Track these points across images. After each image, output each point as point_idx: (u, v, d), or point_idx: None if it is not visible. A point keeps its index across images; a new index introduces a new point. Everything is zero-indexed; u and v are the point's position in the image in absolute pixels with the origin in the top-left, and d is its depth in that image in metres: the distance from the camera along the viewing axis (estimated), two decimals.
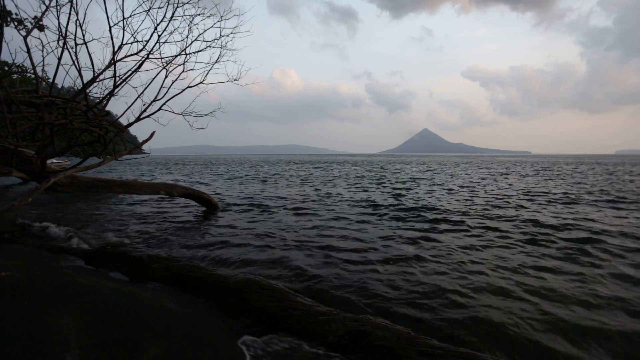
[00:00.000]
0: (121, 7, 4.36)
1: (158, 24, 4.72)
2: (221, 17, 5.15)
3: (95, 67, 4.43)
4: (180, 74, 5.31)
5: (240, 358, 2.56)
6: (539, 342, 2.87)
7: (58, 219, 7.76)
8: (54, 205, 9.66)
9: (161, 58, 5.09)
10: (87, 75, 4.69)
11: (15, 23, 5.28)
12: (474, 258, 4.99)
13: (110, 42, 4.46)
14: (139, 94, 5.07)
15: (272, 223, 7.45)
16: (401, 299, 3.68)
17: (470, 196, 12.10)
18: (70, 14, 4.03)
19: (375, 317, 3.02)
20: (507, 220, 7.75)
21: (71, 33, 4.17)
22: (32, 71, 4.83)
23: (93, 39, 4.39)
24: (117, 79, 4.75)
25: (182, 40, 5.16)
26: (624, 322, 3.17)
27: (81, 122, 5.03)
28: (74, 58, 4.25)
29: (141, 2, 4.54)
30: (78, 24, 4.17)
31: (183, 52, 5.24)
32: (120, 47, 4.57)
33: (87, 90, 4.73)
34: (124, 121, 5.44)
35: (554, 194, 12.54)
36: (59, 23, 4.17)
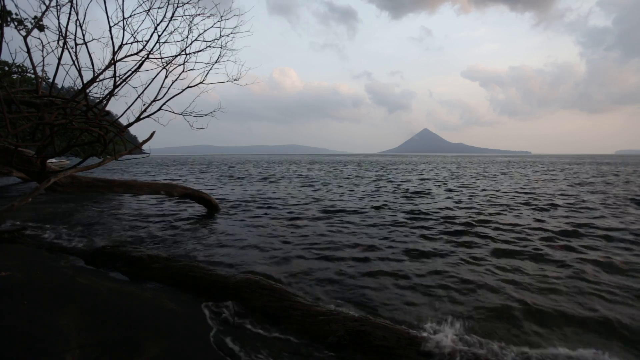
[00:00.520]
0: (121, 7, 4.36)
1: (158, 24, 4.73)
2: (221, 17, 5.15)
3: (95, 67, 4.43)
4: (180, 74, 5.31)
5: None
6: None
7: (58, 219, 7.76)
8: (54, 206, 9.65)
9: (161, 58, 5.09)
10: (87, 75, 4.69)
11: (15, 23, 5.28)
12: None
13: (110, 42, 4.46)
14: (139, 94, 5.07)
15: (272, 223, 7.45)
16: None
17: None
18: (70, 14, 4.03)
19: (375, 317, 3.02)
20: None
21: (71, 33, 4.17)
22: (32, 71, 4.83)
23: (93, 39, 4.39)
24: (117, 79, 4.75)
25: (182, 40, 5.17)
26: None
27: (81, 122, 5.03)
28: (74, 58, 4.25)
29: (141, 2, 4.54)
30: (78, 24, 4.17)
31: (183, 52, 5.24)
32: (120, 47, 4.57)
33: (87, 90, 4.73)
34: (124, 121, 5.45)
35: None
36: (59, 23, 4.18)
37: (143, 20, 4.59)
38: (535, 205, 9.86)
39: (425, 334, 2.74)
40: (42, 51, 4.55)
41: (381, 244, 5.81)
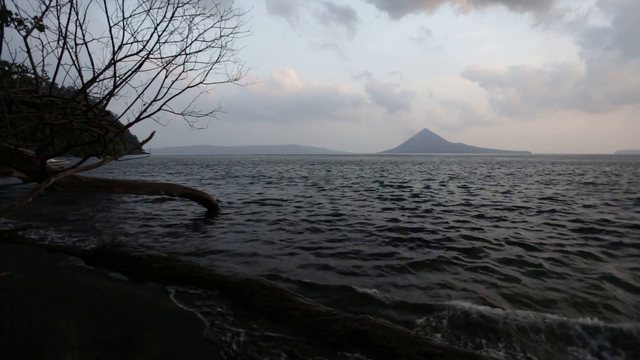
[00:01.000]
0: (121, 7, 4.34)
1: (158, 24, 4.71)
2: (221, 17, 5.14)
3: (95, 67, 4.42)
4: (180, 74, 5.30)
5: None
6: None
7: (58, 219, 7.76)
8: (54, 206, 9.65)
9: (161, 58, 5.08)
10: (87, 75, 4.68)
11: (15, 23, 5.26)
12: None
13: (110, 42, 4.45)
14: (139, 94, 5.05)
15: (272, 223, 7.45)
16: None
17: None
18: (70, 14, 4.02)
19: (375, 317, 3.02)
20: None
21: (71, 33, 4.16)
22: (32, 71, 4.82)
23: (93, 39, 4.38)
24: (117, 79, 4.74)
25: (182, 40, 5.15)
26: None
27: (81, 122, 5.02)
28: (74, 58, 4.24)
29: (141, 2, 4.53)
30: (78, 24, 4.16)
31: (183, 52, 5.23)
32: (120, 47, 4.56)
33: (87, 90, 4.73)
34: (124, 121, 5.44)
35: None
36: (59, 23, 4.17)
37: (143, 20, 4.58)
38: None
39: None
40: (42, 51, 4.54)
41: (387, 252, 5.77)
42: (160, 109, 5.34)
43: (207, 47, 5.31)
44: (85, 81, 4.54)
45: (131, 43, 4.67)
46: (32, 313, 2.75)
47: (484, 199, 11.36)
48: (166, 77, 5.21)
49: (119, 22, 4.39)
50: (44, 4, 4.27)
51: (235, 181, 18.72)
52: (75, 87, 4.96)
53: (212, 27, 5.23)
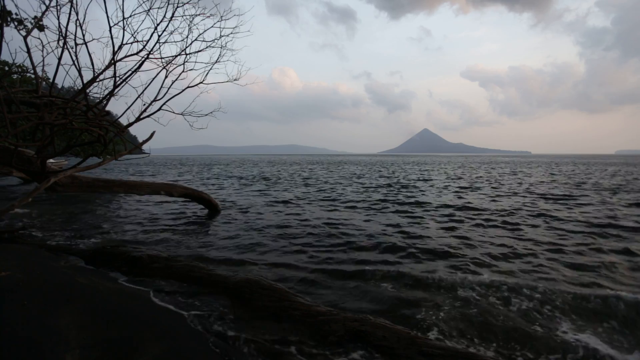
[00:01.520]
0: (121, 7, 4.35)
1: (158, 24, 4.72)
2: (221, 17, 5.15)
3: (95, 67, 4.43)
4: (180, 74, 5.30)
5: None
6: None
7: (58, 218, 7.76)
8: (54, 205, 9.66)
9: (161, 58, 5.09)
10: (87, 75, 4.68)
11: (15, 23, 5.26)
12: None
13: (110, 42, 4.45)
14: (139, 94, 5.06)
15: (273, 223, 7.45)
16: None
17: None
18: (70, 14, 4.03)
19: (375, 317, 3.02)
20: None
21: (71, 33, 4.17)
22: (32, 71, 4.82)
23: (93, 39, 4.38)
24: (117, 79, 4.75)
25: (182, 40, 5.16)
26: None
27: (81, 122, 5.02)
28: (74, 58, 4.25)
29: (141, 2, 4.53)
30: (78, 24, 4.16)
31: (183, 52, 5.23)
32: (120, 47, 4.56)
33: (87, 90, 4.73)
34: (124, 121, 5.44)
35: None
36: (59, 23, 4.17)
37: (143, 20, 4.59)
38: None
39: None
40: (42, 51, 4.54)
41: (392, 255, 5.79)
42: (160, 109, 5.35)
43: (207, 47, 5.32)
44: (85, 81, 4.54)
45: (131, 43, 4.68)
46: (32, 313, 2.75)
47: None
48: (166, 77, 5.21)
49: (119, 22, 4.40)
50: (44, 4, 4.27)
51: (235, 181, 18.73)
52: (75, 87, 4.97)
53: (212, 27, 5.24)
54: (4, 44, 3.65)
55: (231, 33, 5.30)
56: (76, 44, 4.21)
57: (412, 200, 11.19)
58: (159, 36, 4.81)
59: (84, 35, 4.21)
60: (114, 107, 42.49)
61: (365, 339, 2.65)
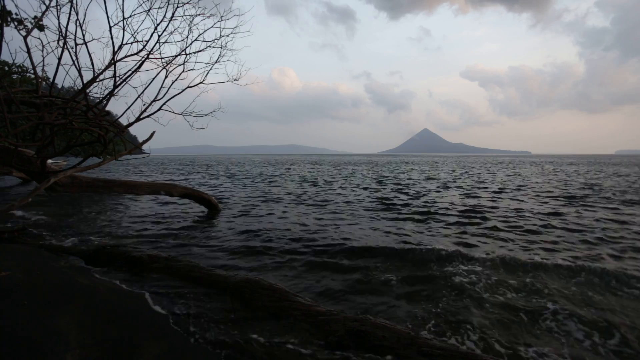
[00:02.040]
0: (121, 7, 4.35)
1: (158, 24, 4.71)
2: (221, 17, 5.14)
3: (95, 67, 4.42)
4: (180, 74, 5.30)
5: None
6: None
7: (58, 219, 7.76)
8: (54, 205, 9.66)
9: (161, 58, 5.08)
10: (87, 75, 4.68)
11: (15, 23, 5.26)
12: None
13: (110, 42, 4.45)
14: (139, 94, 5.05)
15: (273, 224, 7.45)
16: None
17: None
18: (70, 14, 4.02)
19: (375, 317, 3.02)
20: None
21: (71, 33, 4.16)
22: (32, 71, 4.82)
23: (93, 39, 4.38)
24: (117, 79, 4.74)
25: (182, 41, 5.15)
26: None
27: (81, 122, 5.02)
28: (74, 58, 4.24)
29: (141, 2, 4.53)
30: (78, 24, 4.16)
31: (183, 52, 5.23)
32: (120, 47, 4.56)
33: (87, 90, 4.73)
34: (124, 121, 5.44)
35: None
36: (59, 23, 4.17)
37: (143, 20, 4.58)
38: None
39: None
40: (42, 51, 4.53)
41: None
42: (160, 109, 5.34)
43: (207, 47, 5.31)
44: (85, 81, 4.54)
45: (131, 43, 4.67)
46: (32, 313, 2.75)
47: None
48: (166, 77, 5.21)
49: (119, 22, 4.39)
50: (44, 4, 4.27)
51: (235, 181, 18.73)
52: (75, 87, 4.96)
53: (212, 27, 5.24)
54: (4, 44, 3.65)
55: (231, 33, 5.30)
56: (76, 44, 4.21)
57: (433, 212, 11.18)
58: (159, 36, 4.81)
59: (84, 35, 4.21)
60: (114, 107, 42.52)
61: (365, 339, 2.65)
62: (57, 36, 4.19)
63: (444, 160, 77.09)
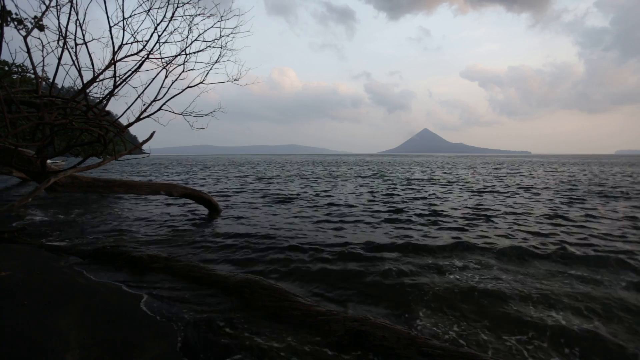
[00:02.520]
0: (121, 7, 4.35)
1: (158, 24, 4.72)
2: (221, 17, 5.14)
3: (95, 67, 4.43)
4: (180, 74, 5.30)
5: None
6: None
7: (58, 219, 7.76)
8: (54, 206, 9.66)
9: (161, 58, 5.08)
10: (87, 75, 4.68)
11: (15, 23, 5.27)
12: None
13: (110, 42, 4.45)
14: (139, 94, 5.06)
15: (273, 224, 7.45)
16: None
17: None
18: (70, 14, 4.03)
19: (375, 317, 3.02)
20: None
21: (71, 33, 4.17)
22: (32, 71, 4.82)
23: (93, 39, 4.38)
24: (117, 79, 4.75)
25: (182, 41, 5.15)
26: None
27: (81, 122, 5.02)
28: (74, 58, 4.25)
29: (141, 2, 4.53)
30: (78, 24, 4.16)
31: (183, 52, 5.23)
32: (120, 47, 4.56)
33: (87, 90, 4.73)
34: (124, 121, 5.44)
35: None
36: (59, 23, 4.17)
37: (143, 20, 4.58)
38: None
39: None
40: (42, 51, 4.54)
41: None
42: (160, 109, 5.34)
43: (207, 47, 5.32)
44: (85, 81, 4.54)
45: (131, 43, 4.67)
46: (32, 313, 2.76)
47: None
48: (166, 77, 5.21)
49: (119, 22, 4.40)
50: (44, 4, 4.27)
51: (235, 181, 18.73)
52: (75, 87, 4.97)
53: (212, 27, 5.24)
54: (4, 44, 3.65)
55: (231, 33, 5.30)
56: (76, 44, 4.21)
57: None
58: (159, 36, 4.81)
59: (84, 35, 4.21)
60: (114, 107, 42.54)
61: (365, 339, 2.65)
62: (57, 36, 4.19)
63: (448, 160, 77.06)
